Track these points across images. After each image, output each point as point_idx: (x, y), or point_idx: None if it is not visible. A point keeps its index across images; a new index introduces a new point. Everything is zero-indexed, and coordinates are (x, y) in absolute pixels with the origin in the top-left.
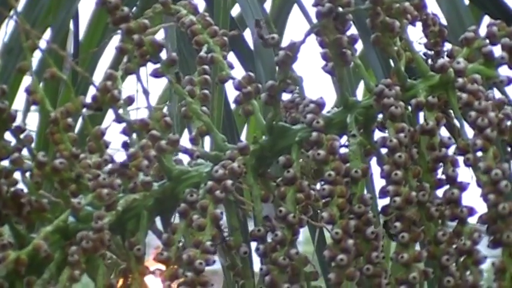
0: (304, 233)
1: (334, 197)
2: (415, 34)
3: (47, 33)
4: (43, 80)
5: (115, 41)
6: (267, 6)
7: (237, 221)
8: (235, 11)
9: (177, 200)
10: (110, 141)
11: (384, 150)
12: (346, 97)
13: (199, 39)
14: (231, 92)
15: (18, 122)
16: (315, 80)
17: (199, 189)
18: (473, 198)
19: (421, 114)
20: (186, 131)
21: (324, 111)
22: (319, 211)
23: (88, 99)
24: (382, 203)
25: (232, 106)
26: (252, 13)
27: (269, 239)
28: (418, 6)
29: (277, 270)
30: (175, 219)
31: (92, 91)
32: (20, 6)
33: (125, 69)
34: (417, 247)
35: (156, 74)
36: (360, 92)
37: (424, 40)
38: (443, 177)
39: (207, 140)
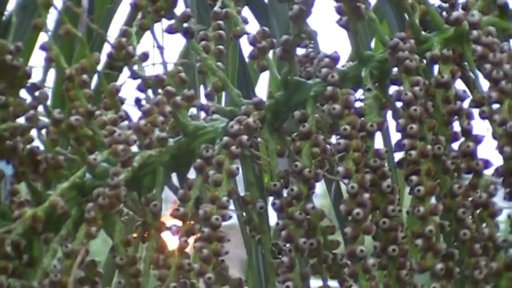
0: (321, 186)
1: (350, 151)
2: None
3: None
4: (58, 37)
5: None
6: None
7: (253, 176)
8: None
9: (193, 155)
10: (125, 98)
11: (399, 104)
12: (360, 51)
13: None
14: (246, 47)
15: (33, 79)
16: (330, 34)
17: (215, 144)
18: (489, 151)
19: (436, 67)
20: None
21: (339, 66)
22: (335, 165)
23: (103, 56)
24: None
25: (248, 61)
26: None
27: (285, 194)
28: None
29: (294, 224)
30: (192, 174)
31: (107, 48)
32: None
33: (139, 25)
34: (433, 200)
35: (170, 30)
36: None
37: None
38: (459, 130)
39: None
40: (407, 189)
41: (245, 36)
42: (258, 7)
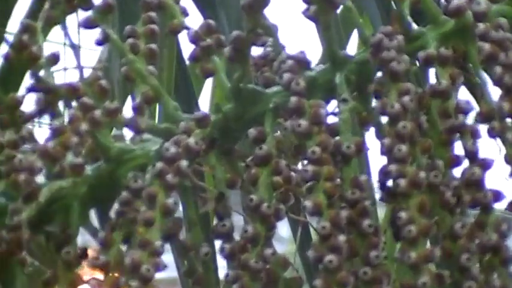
0: (287, 228)
1: (320, 181)
2: None
3: None
4: None
5: None
6: None
7: (195, 213)
8: None
9: (118, 187)
10: (28, 113)
11: (384, 119)
12: (334, 51)
13: None
14: (187, 46)
15: None
16: (295, 30)
17: (145, 172)
18: (500, 179)
19: (432, 71)
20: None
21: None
22: (301, 199)
23: None
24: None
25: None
26: None
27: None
28: None
29: (248, 276)
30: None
31: (4, 48)
32: None
33: (46, 18)
34: (428, 244)
35: (87, 24)
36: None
37: None
38: (461, 152)
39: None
40: None
41: (185, 32)
42: None
